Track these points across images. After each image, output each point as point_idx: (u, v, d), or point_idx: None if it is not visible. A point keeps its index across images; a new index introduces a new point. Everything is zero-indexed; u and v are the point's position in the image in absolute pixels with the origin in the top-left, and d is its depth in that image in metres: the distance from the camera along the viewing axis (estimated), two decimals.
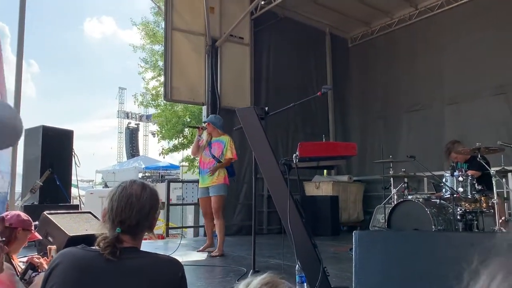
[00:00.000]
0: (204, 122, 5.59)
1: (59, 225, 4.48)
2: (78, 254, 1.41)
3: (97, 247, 1.38)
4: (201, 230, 7.70)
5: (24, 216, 2.64)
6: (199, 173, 5.35)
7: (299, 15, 9.27)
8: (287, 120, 8.77)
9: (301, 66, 9.40)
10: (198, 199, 5.61)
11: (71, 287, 1.34)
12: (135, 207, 1.41)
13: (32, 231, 2.68)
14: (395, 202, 5.33)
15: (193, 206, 7.87)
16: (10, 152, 5.33)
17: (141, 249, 1.51)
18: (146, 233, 1.52)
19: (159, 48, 16.14)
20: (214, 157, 5.14)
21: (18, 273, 2.47)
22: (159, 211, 1.55)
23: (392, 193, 5.81)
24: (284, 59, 9.01)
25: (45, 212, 4.87)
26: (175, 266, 1.44)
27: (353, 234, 1.70)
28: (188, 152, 16.54)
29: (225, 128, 7.51)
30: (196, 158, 15.47)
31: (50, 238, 4.42)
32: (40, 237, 2.92)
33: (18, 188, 6.51)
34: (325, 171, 9.25)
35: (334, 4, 8.90)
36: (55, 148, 6.42)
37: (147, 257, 1.42)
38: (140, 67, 16.82)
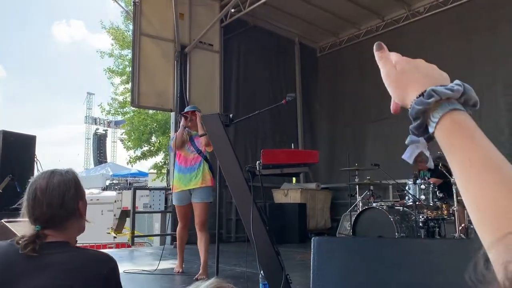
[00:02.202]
0: (187, 112, 4.50)
1: (17, 233, 4.32)
2: (1, 250, 1.35)
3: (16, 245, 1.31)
4: (168, 238, 7.59)
5: None
6: (179, 171, 4.31)
7: (269, 24, 9.35)
8: (256, 128, 8.80)
9: (270, 74, 9.47)
10: (174, 206, 4.54)
11: None
12: (43, 202, 1.34)
13: None
14: (360, 210, 5.41)
15: (159, 214, 7.74)
16: None
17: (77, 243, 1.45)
18: (75, 221, 1.41)
19: (127, 53, 15.92)
20: (200, 152, 4.26)
21: None
22: (80, 193, 1.44)
23: (358, 200, 5.90)
24: (253, 66, 9.06)
25: (3, 220, 4.69)
26: (100, 262, 1.34)
27: (312, 240, 1.71)
28: (157, 159, 16.30)
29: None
30: (165, 164, 15.27)
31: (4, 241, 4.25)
32: None
33: None
34: (294, 178, 9.31)
35: (303, 14, 9.03)
36: (16, 154, 6.22)
37: (70, 252, 1.34)
38: (108, 73, 16.52)
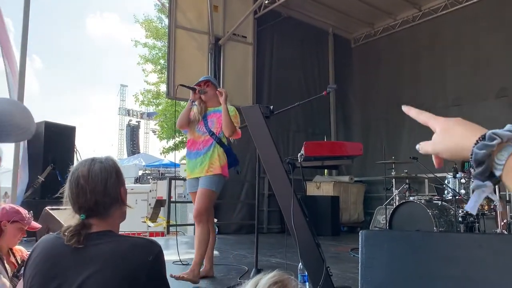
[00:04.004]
0: (201, 82, 3.72)
1: (60, 220, 4.49)
2: (49, 243, 1.37)
3: (63, 237, 1.33)
4: None
5: (9, 208, 2.50)
6: (187, 157, 3.67)
7: (303, 14, 9.27)
8: (288, 120, 8.78)
9: (303, 65, 9.41)
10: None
11: (41, 277, 1.31)
12: (86, 189, 1.35)
13: (24, 222, 2.53)
14: (397, 203, 5.33)
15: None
16: (13, 148, 5.35)
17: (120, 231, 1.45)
18: (117, 207, 1.42)
19: (161, 44, 16.16)
20: (212, 133, 3.51)
21: (14, 270, 2.42)
22: (121, 179, 1.44)
23: (394, 194, 5.81)
24: (286, 58, 9.02)
25: (47, 208, 4.88)
26: (145, 249, 1.33)
27: (360, 233, 1.70)
28: None
29: None
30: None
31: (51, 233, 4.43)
32: (39, 226, 2.80)
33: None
34: (325, 171, 9.26)
35: (337, 4, 8.90)
36: (57, 144, 6.44)
37: (115, 242, 1.34)
38: (142, 59, 16.81)
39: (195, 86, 3.67)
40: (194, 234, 3.79)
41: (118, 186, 1.43)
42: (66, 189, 1.40)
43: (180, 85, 3.64)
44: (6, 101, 0.62)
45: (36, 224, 2.69)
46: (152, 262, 1.31)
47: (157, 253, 1.34)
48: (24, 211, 2.54)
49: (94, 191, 1.36)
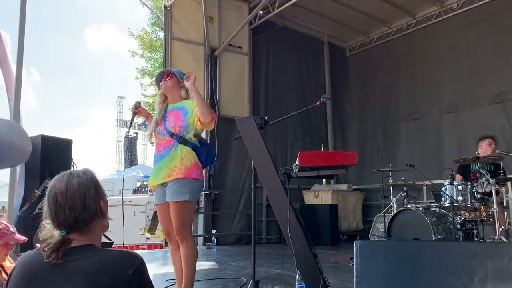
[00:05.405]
0: (164, 75, 3.26)
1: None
2: (28, 260, 1.36)
3: (43, 253, 1.30)
4: (200, 240, 7.65)
5: None
6: (153, 161, 3.17)
7: (298, 24, 9.33)
8: (286, 129, 8.79)
9: (299, 75, 9.46)
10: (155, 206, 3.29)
11: None
12: (65, 206, 1.32)
13: (7, 237, 2.45)
14: (395, 211, 5.32)
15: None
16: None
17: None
18: (98, 221, 1.39)
19: (157, 56, 16.25)
20: (172, 134, 2.99)
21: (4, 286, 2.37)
22: (100, 193, 1.41)
23: (392, 202, 5.80)
24: (282, 68, 9.06)
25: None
26: (125, 262, 1.30)
27: (354, 244, 1.70)
28: None
29: (224, 137, 7.58)
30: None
31: (33, 249, 4.38)
32: (25, 239, 2.69)
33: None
34: (324, 180, 9.25)
35: (332, 13, 8.96)
36: (54, 158, 6.40)
37: (94, 256, 1.31)
38: (137, 72, 16.92)
39: (133, 111, 3.30)
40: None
41: (98, 200, 1.40)
42: (44, 205, 1.37)
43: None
44: (2, 123, 0.61)
45: (21, 237, 2.59)
46: (132, 275, 1.28)
47: (138, 266, 1.31)
48: (4, 226, 2.44)
49: (73, 208, 1.33)
